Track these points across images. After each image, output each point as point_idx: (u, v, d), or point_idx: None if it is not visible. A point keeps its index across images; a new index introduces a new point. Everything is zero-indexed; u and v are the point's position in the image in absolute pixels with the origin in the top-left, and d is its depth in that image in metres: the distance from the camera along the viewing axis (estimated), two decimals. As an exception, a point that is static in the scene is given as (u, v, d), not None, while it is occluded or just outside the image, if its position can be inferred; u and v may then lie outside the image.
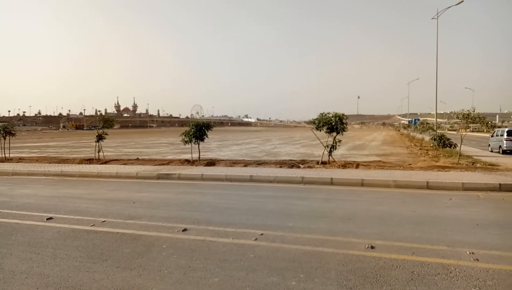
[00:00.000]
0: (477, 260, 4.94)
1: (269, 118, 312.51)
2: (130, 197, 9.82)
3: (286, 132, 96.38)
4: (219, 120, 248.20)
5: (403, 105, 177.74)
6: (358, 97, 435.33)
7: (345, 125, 15.28)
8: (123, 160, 18.23)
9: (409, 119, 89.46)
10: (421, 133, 35.94)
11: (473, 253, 5.18)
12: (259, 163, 15.90)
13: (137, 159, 18.66)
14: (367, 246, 5.51)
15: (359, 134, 72.34)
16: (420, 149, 25.05)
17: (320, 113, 15.60)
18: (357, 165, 14.40)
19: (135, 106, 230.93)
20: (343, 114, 15.17)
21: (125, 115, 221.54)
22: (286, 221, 7.09)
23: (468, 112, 16.24)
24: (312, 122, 16.04)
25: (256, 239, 5.91)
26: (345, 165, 14.44)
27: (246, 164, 15.78)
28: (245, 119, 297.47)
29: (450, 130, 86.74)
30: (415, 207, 8.29)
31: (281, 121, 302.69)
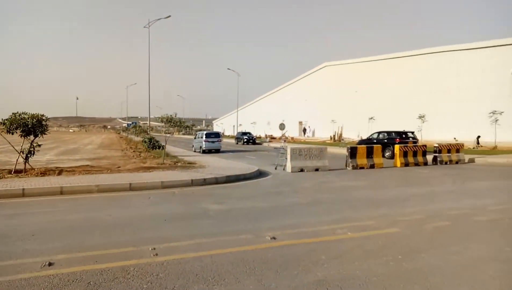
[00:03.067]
0: (157, 255, 5.22)
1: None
2: None
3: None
4: None
5: (124, 108, 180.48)
6: (77, 98, 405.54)
7: (45, 128, 13.57)
8: None
9: (129, 122, 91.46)
10: (137, 136, 37.20)
11: (154, 248, 5.46)
12: None
13: None
14: (44, 264, 4.84)
15: (76, 138, 67.51)
16: (134, 151, 25.72)
17: (13, 113, 13.19)
18: (60, 172, 13.07)
19: None
20: (42, 115, 13.42)
21: None
22: None
23: (170, 116, 17.90)
24: (1, 123, 13.33)
25: None
26: (45, 173, 12.80)
27: None
28: None
29: (167, 133, 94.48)
30: (113, 211, 8.18)
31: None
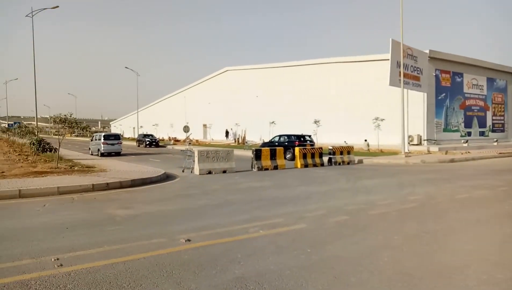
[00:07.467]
0: (61, 265, 4.79)
1: None
2: None
3: None
4: None
5: (3, 107, 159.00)
6: None
7: None
8: None
9: (10, 123, 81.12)
10: (21, 138, 33.13)
11: (58, 259, 5.00)
12: None
13: None
14: None
15: None
16: (19, 155, 22.87)
17: None
18: None
19: None
20: None
21: None
22: None
23: (65, 116, 16.38)
24: None
25: None
26: None
27: None
28: None
29: (56, 134, 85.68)
30: (0, 221, 7.23)
31: None
